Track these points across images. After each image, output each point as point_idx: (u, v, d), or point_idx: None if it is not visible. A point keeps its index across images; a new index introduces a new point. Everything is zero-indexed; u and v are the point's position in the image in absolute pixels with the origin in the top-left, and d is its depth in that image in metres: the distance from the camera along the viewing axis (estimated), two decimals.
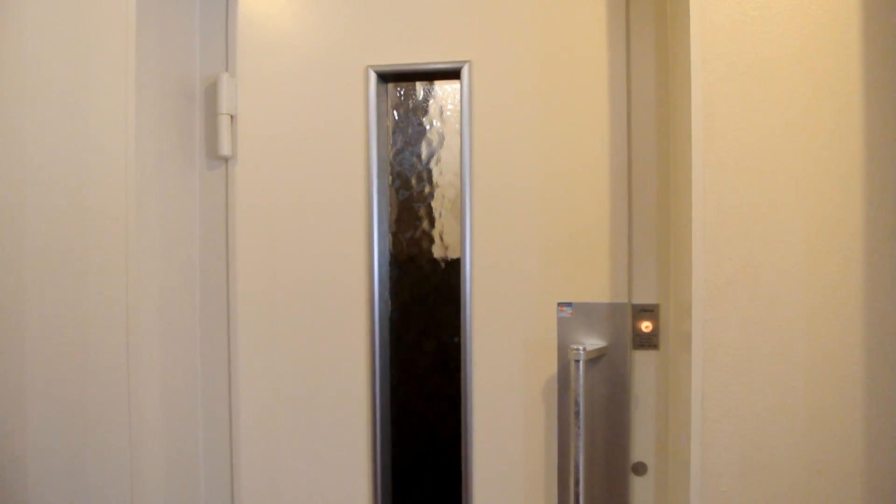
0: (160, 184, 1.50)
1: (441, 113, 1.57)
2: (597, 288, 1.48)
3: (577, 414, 1.40)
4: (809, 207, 1.21)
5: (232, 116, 1.59)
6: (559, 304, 1.50)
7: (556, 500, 1.51)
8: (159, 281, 1.50)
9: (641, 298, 1.49)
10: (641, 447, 1.50)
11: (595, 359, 1.48)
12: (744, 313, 1.21)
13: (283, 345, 1.60)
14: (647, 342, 1.50)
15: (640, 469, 1.52)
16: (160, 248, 1.50)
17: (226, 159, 1.61)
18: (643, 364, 1.50)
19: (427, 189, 1.58)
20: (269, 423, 1.61)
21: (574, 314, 1.50)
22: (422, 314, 1.59)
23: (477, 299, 1.52)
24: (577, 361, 1.40)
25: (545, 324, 1.50)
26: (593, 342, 1.49)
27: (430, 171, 1.58)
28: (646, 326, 1.49)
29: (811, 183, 1.21)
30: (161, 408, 1.50)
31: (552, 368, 1.51)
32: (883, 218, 1.20)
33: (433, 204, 1.58)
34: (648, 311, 1.49)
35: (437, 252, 1.58)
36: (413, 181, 1.59)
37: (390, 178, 1.60)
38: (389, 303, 1.61)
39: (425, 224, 1.58)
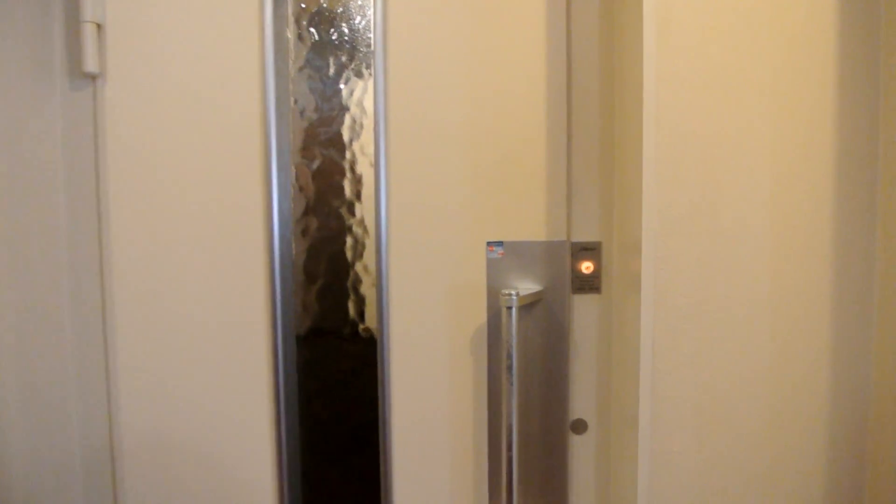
0: (5, 109, 1.22)
1: (352, 23, 1.33)
2: (531, 225, 1.29)
3: (509, 368, 1.22)
4: (778, 128, 1.03)
5: (99, 25, 1.31)
6: (488, 244, 1.30)
7: (485, 466, 1.33)
8: (10, 240, 1.23)
9: (581, 236, 1.30)
10: (582, 403, 1.33)
11: (529, 305, 1.29)
12: (701, 250, 1.04)
13: (170, 307, 1.35)
14: (588, 285, 1.31)
15: (579, 427, 1.35)
16: (9, 194, 1.22)
17: (93, 77, 1.32)
18: (584, 310, 1.32)
19: (336, 113, 1.34)
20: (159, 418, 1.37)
21: (505, 255, 1.30)
22: (331, 258, 1.36)
23: (394, 239, 1.31)
24: (509, 308, 1.21)
25: (473, 266, 1.30)
26: (527, 286, 1.30)
27: (339, 92, 1.34)
28: (586, 267, 1.31)
29: (780, 99, 1.03)
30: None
31: (481, 317, 1.31)
32: (857, 144, 1.03)
33: (343, 130, 1.34)
34: (589, 250, 1.31)
35: (349, 187, 1.35)
36: (319, 103, 1.34)
37: (292, 99, 1.35)
38: (292, 244, 1.37)
39: (333, 153, 1.35)
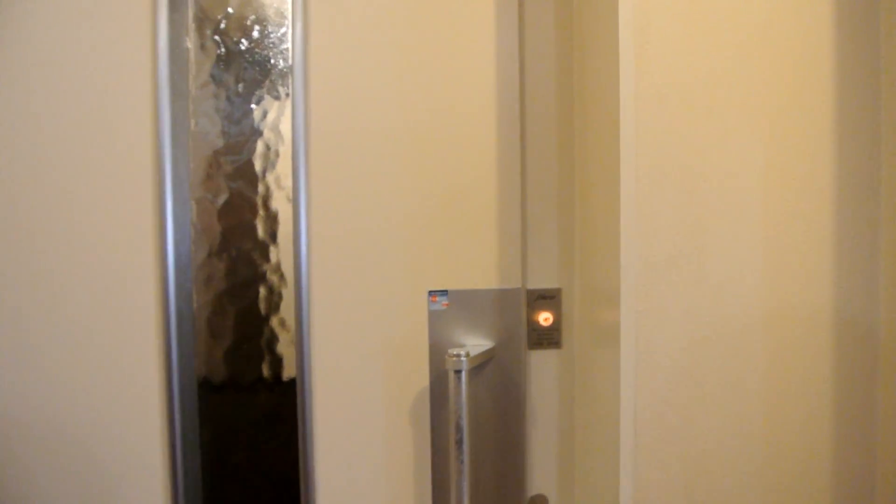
0: None
1: (266, 32, 1.11)
2: (480, 270, 1.09)
3: (459, 443, 1.01)
4: (773, 154, 0.87)
5: None
6: (430, 293, 1.10)
7: None
8: None
9: (539, 282, 1.12)
10: (541, 476, 1.14)
11: (480, 365, 1.09)
12: (688, 302, 0.86)
13: (53, 362, 1.07)
14: (547, 339, 1.13)
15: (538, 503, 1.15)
16: None
17: None
18: (542, 368, 1.13)
19: (246, 138, 1.11)
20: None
21: (450, 306, 1.10)
22: (241, 311, 1.12)
23: (317, 289, 1.09)
24: (458, 372, 1.01)
25: (412, 320, 1.10)
26: (477, 342, 1.10)
27: (250, 113, 1.11)
28: (545, 319, 1.12)
29: (774, 119, 0.88)
30: None
31: (423, 379, 1.10)
32: (859, 171, 0.89)
33: (254, 159, 1.11)
34: (548, 299, 1.12)
35: (262, 226, 1.12)
36: (226, 126, 1.11)
37: (192, 121, 1.11)
38: (193, 295, 1.12)
39: (243, 186, 1.12)
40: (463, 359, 1.01)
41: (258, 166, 1.12)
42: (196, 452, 1.12)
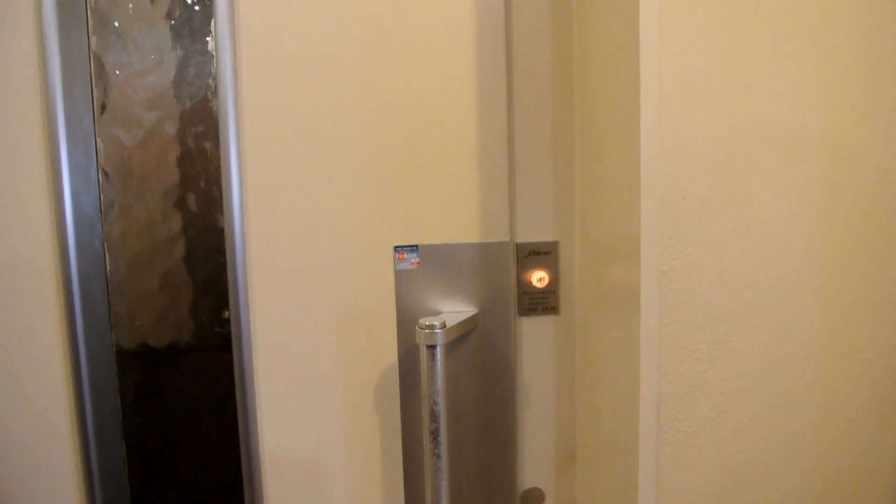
0: None
1: None
2: (457, 221, 0.88)
3: (434, 434, 0.82)
4: (830, 73, 0.65)
5: None
6: (397, 249, 0.87)
7: None
8: None
9: (531, 235, 0.90)
10: (535, 467, 0.94)
11: (459, 337, 0.88)
12: (726, 258, 0.64)
13: None
14: (542, 303, 0.92)
15: (533, 499, 0.96)
16: None
17: None
18: (535, 338, 0.92)
19: (161, 58, 0.87)
20: None
21: (422, 264, 0.88)
22: (164, 273, 0.91)
23: (255, 245, 0.86)
24: (432, 348, 0.80)
25: (375, 282, 0.88)
26: (456, 309, 0.89)
27: (170, 24, 0.87)
28: (539, 279, 0.91)
29: (833, 25, 0.65)
30: None
31: (390, 355, 0.89)
32: None
33: (171, 83, 0.88)
34: (542, 255, 0.91)
35: (187, 168, 0.89)
36: (139, 40, 0.87)
37: (93, 38, 0.87)
38: (105, 255, 0.90)
39: (161, 116, 0.88)
40: (437, 331, 0.80)
41: (181, 91, 0.88)
42: (118, 437, 0.92)
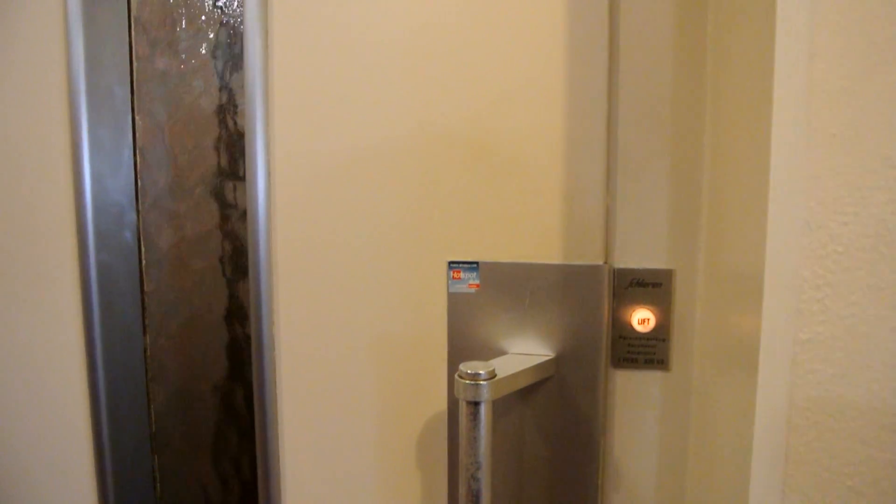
0: None
1: None
2: (533, 233, 0.65)
3: None
4: None
5: None
6: (452, 266, 0.67)
7: None
8: None
9: (635, 259, 0.65)
10: None
11: (526, 390, 0.66)
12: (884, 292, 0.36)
13: None
14: (645, 353, 0.67)
15: None
16: None
17: None
18: (633, 400, 0.68)
19: (200, 25, 0.75)
20: None
21: (483, 287, 0.67)
22: (199, 275, 0.79)
23: (281, 256, 0.71)
24: (476, 405, 0.59)
25: (424, 306, 0.69)
26: (525, 350, 0.67)
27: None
28: (642, 320, 0.66)
29: None
30: None
31: (439, 401, 0.69)
32: None
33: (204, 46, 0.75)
34: (650, 287, 0.66)
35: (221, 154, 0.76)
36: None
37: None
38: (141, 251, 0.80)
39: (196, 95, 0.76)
40: (483, 384, 0.59)
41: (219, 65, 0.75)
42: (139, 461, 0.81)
